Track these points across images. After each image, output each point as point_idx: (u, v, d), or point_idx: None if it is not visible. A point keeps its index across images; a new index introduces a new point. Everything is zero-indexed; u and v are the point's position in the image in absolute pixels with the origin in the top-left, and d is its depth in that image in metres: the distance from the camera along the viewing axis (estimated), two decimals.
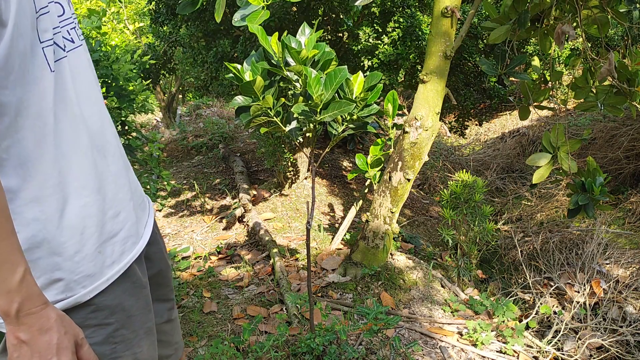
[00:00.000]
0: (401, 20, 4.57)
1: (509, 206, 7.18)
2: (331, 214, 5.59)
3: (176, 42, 5.79)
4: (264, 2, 2.66)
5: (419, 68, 5.05)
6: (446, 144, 9.85)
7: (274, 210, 5.59)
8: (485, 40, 5.24)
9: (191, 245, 5.13)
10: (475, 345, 3.33)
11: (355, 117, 2.51)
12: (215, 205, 6.06)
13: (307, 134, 4.56)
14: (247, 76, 2.44)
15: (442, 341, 3.35)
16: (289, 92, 2.55)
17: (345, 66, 2.39)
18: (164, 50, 5.80)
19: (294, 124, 2.59)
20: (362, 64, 4.75)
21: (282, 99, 2.52)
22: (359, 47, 4.65)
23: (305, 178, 6.00)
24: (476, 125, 6.94)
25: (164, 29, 5.69)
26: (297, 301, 3.25)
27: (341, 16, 4.87)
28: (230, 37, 5.08)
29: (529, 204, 7.02)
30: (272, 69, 2.44)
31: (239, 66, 2.46)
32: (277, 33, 2.41)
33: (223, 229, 5.46)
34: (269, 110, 2.48)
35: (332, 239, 4.75)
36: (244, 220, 5.38)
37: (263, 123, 2.56)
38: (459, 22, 3.80)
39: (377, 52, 4.62)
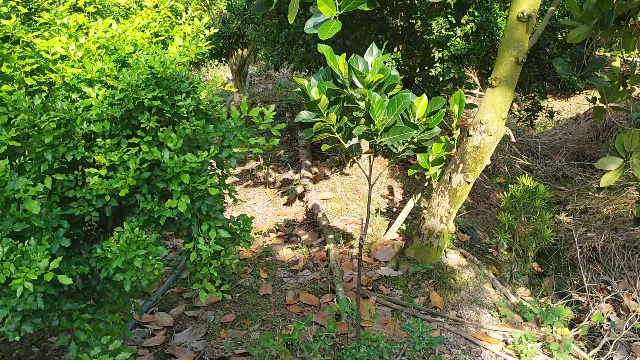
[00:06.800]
0: (476, 13, 4.46)
1: (574, 196, 6.97)
2: (390, 197, 5.65)
3: (250, 19, 5.86)
4: (336, 12, 2.70)
5: (489, 68, 4.94)
6: (516, 125, 9.55)
7: (334, 190, 5.71)
8: (563, 35, 5.03)
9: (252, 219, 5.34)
10: (519, 356, 3.38)
11: (416, 139, 2.55)
12: (278, 178, 6.23)
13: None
14: (314, 93, 2.51)
15: (486, 349, 3.42)
16: (353, 112, 2.61)
17: (409, 92, 2.42)
18: (237, 27, 5.90)
19: (354, 140, 2.66)
20: (432, 54, 4.69)
21: (344, 117, 2.58)
22: (431, 37, 4.58)
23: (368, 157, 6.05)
24: (547, 117, 6.70)
25: (238, 2, 5.76)
26: (347, 309, 3.36)
27: (415, 1, 4.79)
28: (304, 17, 5.09)
29: (597, 195, 6.79)
30: (337, 89, 2.50)
31: (305, 82, 2.53)
32: (344, 54, 2.45)
33: (284, 205, 5.64)
34: (331, 127, 2.56)
35: (388, 226, 4.83)
36: (303, 198, 5.53)
37: (325, 138, 2.64)
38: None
39: (449, 44, 4.54)
